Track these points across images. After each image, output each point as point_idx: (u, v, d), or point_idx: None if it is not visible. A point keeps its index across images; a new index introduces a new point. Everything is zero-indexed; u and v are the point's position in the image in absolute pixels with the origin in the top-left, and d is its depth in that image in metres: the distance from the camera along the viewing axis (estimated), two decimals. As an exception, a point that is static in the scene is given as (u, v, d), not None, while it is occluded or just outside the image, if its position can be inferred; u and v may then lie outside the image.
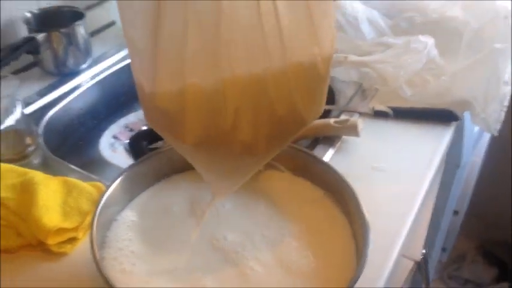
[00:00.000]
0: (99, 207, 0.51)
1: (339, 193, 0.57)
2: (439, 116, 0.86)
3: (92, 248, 0.47)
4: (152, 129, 0.64)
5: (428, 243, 1.07)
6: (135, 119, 1.00)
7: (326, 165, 0.59)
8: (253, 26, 0.41)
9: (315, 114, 0.49)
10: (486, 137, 1.39)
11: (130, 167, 0.57)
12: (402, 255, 0.70)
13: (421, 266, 0.75)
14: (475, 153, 1.33)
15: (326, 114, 0.88)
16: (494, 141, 1.46)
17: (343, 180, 0.56)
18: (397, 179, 0.75)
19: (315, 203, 0.59)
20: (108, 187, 0.54)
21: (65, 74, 0.98)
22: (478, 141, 1.27)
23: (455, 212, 1.45)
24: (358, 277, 0.45)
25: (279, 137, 0.48)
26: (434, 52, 0.89)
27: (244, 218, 0.57)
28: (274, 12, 0.41)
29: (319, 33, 0.44)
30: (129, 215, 0.56)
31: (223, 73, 0.41)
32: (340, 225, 0.55)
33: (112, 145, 0.93)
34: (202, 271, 0.51)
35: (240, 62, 0.42)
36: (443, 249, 1.60)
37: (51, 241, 0.61)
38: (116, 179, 0.55)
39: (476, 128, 1.17)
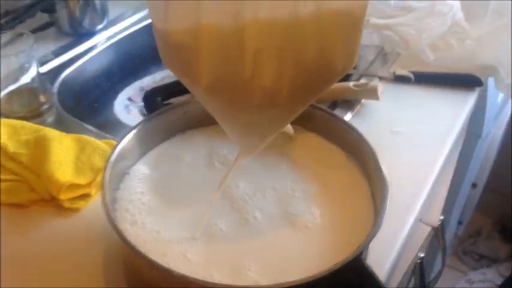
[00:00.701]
0: (111, 160, 0.50)
1: (359, 154, 0.56)
2: (462, 81, 0.83)
3: (104, 200, 0.47)
4: (167, 85, 0.63)
5: (445, 213, 1.05)
6: (150, 82, 0.98)
7: (347, 125, 0.57)
8: None
9: (347, 65, 0.44)
10: (508, 109, 1.35)
11: (144, 121, 0.56)
12: (420, 220, 0.68)
13: (438, 233, 0.73)
14: (497, 125, 1.30)
15: (345, 78, 0.85)
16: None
17: (364, 140, 0.54)
18: (416, 144, 0.73)
19: (337, 167, 0.57)
20: (120, 141, 0.53)
21: (80, 34, 0.96)
22: (500, 112, 1.24)
23: (474, 185, 1.43)
24: (373, 236, 0.44)
25: (306, 88, 0.44)
26: (460, 15, 0.86)
27: (261, 172, 0.56)
28: None
29: None
30: (141, 169, 0.55)
31: (243, 15, 0.38)
32: (359, 188, 0.54)
33: (127, 107, 0.92)
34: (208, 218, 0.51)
35: (264, 4, 0.38)
36: (460, 222, 1.58)
37: (64, 196, 0.60)
38: (128, 132, 0.54)
39: (500, 98, 1.14)
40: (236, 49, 0.40)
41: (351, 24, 0.42)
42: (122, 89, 0.96)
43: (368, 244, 0.43)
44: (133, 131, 0.54)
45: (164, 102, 0.59)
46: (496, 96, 1.07)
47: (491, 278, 1.75)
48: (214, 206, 0.51)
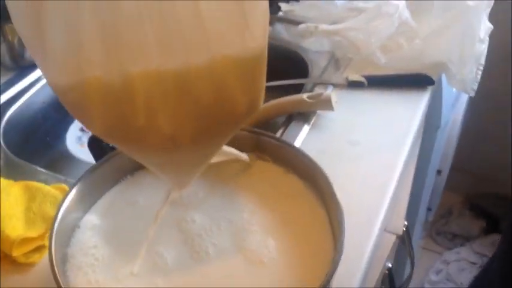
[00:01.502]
0: (56, 222, 0.48)
1: (314, 180, 0.55)
2: (414, 81, 0.83)
3: (53, 270, 0.44)
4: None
5: (413, 206, 1.06)
6: (103, 108, 0.96)
7: (299, 152, 0.56)
8: (167, 17, 0.35)
9: (251, 108, 0.43)
10: (465, 95, 1.37)
11: (89, 171, 0.53)
12: (384, 229, 0.68)
13: (404, 239, 0.73)
14: (455, 112, 1.31)
15: (300, 87, 0.85)
16: (473, 98, 1.44)
17: (317, 165, 0.53)
18: (375, 151, 0.73)
19: (294, 195, 0.56)
20: (64, 198, 0.50)
21: (23, 66, 0.93)
22: (457, 99, 1.25)
23: (439, 172, 1.44)
24: (333, 272, 0.43)
25: (209, 131, 0.43)
26: (406, 14, 0.86)
27: (218, 203, 0.55)
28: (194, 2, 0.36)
29: (250, 21, 0.38)
30: (91, 219, 0.53)
31: (131, 67, 0.36)
32: (317, 217, 0.53)
33: (79, 139, 0.89)
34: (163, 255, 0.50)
35: (150, 56, 0.36)
36: (429, 209, 1.60)
37: (17, 252, 0.58)
38: (73, 186, 0.51)
39: (455, 87, 1.15)
40: (127, 100, 0.38)
41: (251, 68, 0.41)
42: (73, 120, 0.93)
43: (329, 281, 0.42)
44: (78, 184, 0.52)
45: (110, 145, 0.57)
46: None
47: (465, 256, 1.78)
48: (151, 238, 0.50)
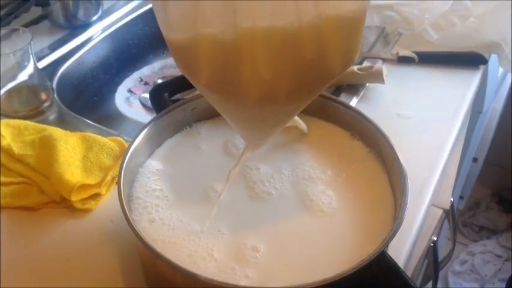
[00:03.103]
0: (125, 164, 0.49)
1: (378, 146, 0.56)
2: (467, 59, 0.82)
3: (122, 204, 0.46)
4: (173, 81, 0.62)
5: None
6: (149, 72, 0.97)
7: (362, 116, 0.57)
8: None
9: (346, 65, 0.45)
10: (508, 82, 1.35)
11: (154, 120, 0.55)
12: (432, 204, 0.68)
13: (449, 215, 0.73)
14: (496, 100, 1.30)
15: (348, 61, 0.85)
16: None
17: (381, 131, 0.54)
18: (425, 127, 0.73)
19: (359, 160, 0.57)
20: (132, 142, 0.52)
21: (75, 26, 0.94)
22: (500, 86, 1.24)
23: (475, 160, 1.43)
24: (397, 229, 0.43)
25: (304, 86, 0.44)
26: (462, -8, 0.85)
27: (282, 159, 0.57)
28: None
29: None
30: (154, 164, 0.55)
31: (242, 24, 0.38)
32: (379, 180, 0.53)
33: (127, 99, 0.91)
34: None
35: (262, 13, 0.38)
36: (461, 197, 1.59)
37: (75, 197, 0.59)
38: (140, 132, 0.53)
39: (500, 73, 1.14)
40: (235, 53, 0.40)
41: (351, 28, 0.42)
42: (121, 81, 0.94)
43: (392, 238, 0.43)
44: (144, 130, 0.53)
45: (171, 98, 0.58)
46: (496, 71, 1.07)
47: (491, 249, 1.77)
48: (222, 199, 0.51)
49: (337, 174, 0.55)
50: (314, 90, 0.46)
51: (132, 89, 0.93)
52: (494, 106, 1.34)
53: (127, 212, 0.45)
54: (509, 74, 1.23)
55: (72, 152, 0.63)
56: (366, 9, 0.43)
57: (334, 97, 0.60)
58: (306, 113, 0.59)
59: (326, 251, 0.48)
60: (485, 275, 1.70)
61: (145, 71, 0.97)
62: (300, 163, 0.56)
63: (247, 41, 0.39)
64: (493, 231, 1.84)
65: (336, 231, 0.49)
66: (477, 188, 1.79)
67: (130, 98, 0.91)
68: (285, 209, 0.51)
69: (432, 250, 0.70)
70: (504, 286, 1.63)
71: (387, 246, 0.43)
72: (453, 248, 0.80)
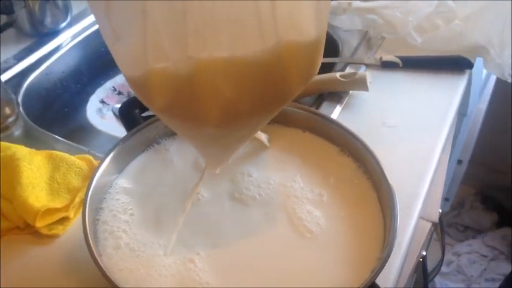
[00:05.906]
0: (90, 190, 0.46)
1: (365, 163, 0.54)
2: (452, 63, 0.80)
3: (85, 235, 0.42)
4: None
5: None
6: (123, 81, 0.92)
7: (349, 133, 0.56)
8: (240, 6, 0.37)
9: (307, 79, 0.45)
10: (491, 83, 1.33)
11: (123, 140, 0.51)
12: (420, 217, 0.65)
13: (437, 227, 0.71)
14: (480, 101, 1.28)
15: (330, 67, 0.82)
16: (498, 88, 1.41)
17: (369, 150, 0.52)
18: (411, 135, 0.70)
19: (347, 178, 0.55)
20: (99, 165, 0.48)
21: (43, 34, 0.89)
22: (484, 88, 1.22)
23: (459, 161, 1.42)
24: (387, 257, 0.40)
25: (265, 105, 0.45)
26: (446, -7, 0.82)
27: (271, 168, 0.56)
28: None
29: (318, 9, 0.40)
30: (121, 183, 0.52)
31: (197, 55, 0.38)
32: (367, 197, 0.52)
33: (100, 110, 0.86)
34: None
35: (218, 44, 0.38)
36: (446, 199, 1.58)
37: (40, 223, 0.55)
38: (108, 154, 0.49)
39: (484, 74, 1.12)
40: (193, 84, 0.40)
41: (312, 51, 0.43)
42: (93, 91, 0.90)
43: (382, 268, 0.40)
44: (113, 152, 0.50)
45: (142, 115, 0.55)
46: (480, 73, 1.05)
47: (477, 249, 1.76)
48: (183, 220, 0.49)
49: (322, 193, 0.52)
50: (274, 109, 0.46)
51: (105, 100, 0.88)
52: (479, 107, 1.32)
53: (91, 243, 0.43)
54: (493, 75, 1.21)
55: (37, 172, 0.59)
56: (325, 29, 0.43)
57: (321, 113, 0.59)
58: (295, 127, 0.59)
59: (312, 277, 0.45)
60: (472, 275, 1.70)
61: (118, 79, 0.92)
62: (287, 179, 0.53)
63: (205, 72, 0.39)
64: (477, 231, 1.83)
65: (324, 254, 0.47)
66: (460, 188, 1.78)
67: (102, 109, 0.86)
68: (269, 230, 0.49)
69: (422, 265, 0.67)
70: (491, 286, 1.63)
71: (377, 276, 0.40)
72: (442, 259, 0.77)
